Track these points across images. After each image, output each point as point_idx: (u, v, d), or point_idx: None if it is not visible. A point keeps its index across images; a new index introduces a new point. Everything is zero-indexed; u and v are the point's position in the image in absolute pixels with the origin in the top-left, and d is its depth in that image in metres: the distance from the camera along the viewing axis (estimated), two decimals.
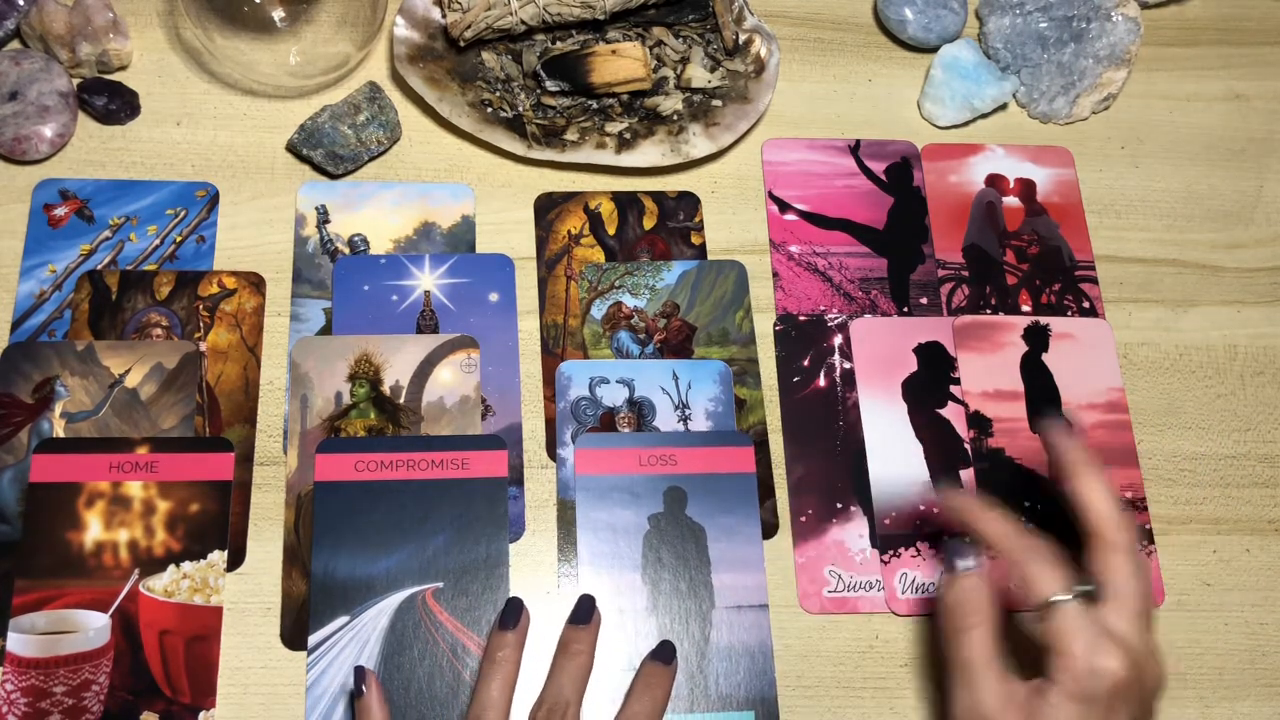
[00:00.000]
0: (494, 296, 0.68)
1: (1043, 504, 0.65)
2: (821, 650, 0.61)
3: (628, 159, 0.70)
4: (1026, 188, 0.75)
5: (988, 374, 0.68)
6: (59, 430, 0.61)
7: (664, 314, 0.68)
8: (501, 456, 0.62)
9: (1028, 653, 0.62)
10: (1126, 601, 0.51)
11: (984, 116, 0.77)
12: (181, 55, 0.73)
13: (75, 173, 0.69)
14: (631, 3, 0.72)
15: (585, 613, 0.57)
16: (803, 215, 0.72)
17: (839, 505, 0.64)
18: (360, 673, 0.54)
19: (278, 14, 0.72)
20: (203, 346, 0.64)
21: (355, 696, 0.54)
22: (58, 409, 0.62)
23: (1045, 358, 0.69)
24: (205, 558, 0.59)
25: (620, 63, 0.71)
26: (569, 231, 0.70)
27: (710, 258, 0.70)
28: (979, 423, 0.67)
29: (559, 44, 0.73)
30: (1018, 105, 0.78)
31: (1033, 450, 0.67)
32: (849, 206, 0.73)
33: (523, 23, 0.71)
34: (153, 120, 0.71)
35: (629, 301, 0.68)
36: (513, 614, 0.56)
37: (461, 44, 0.72)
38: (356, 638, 0.58)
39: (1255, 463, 0.69)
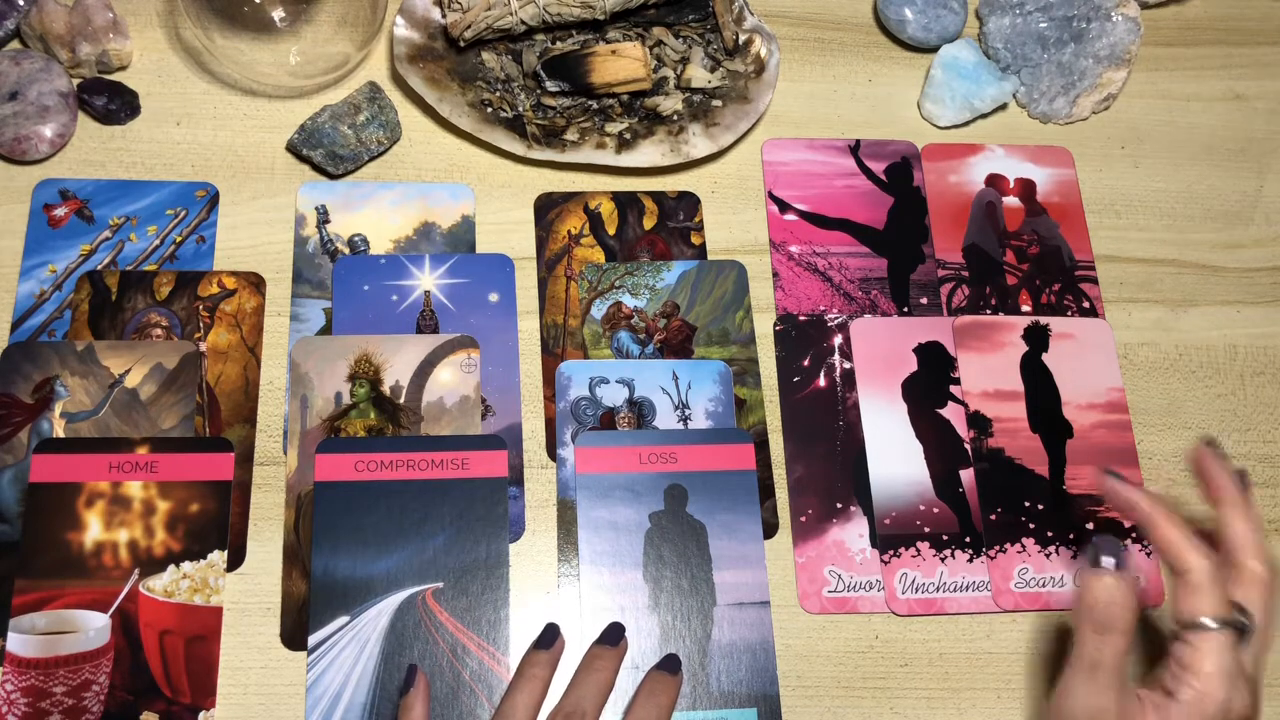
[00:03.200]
0: (494, 296, 0.68)
1: (1043, 504, 0.65)
2: (821, 650, 0.61)
3: (628, 159, 0.70)
4: (1026, 188, 0.75)
5: (988, 374, 0.68)
6: (59, 430, 0.61)
7: (664, 314, 0.68)
8: (501, 456, 0.62)
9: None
10: (1263, 641, 0.51)
11: (984, 116, 0.77)
12: (181, 55, 0.73)
13: (75, 173, 0.69)
14: (631, 3, 0.72)
15: (614, 637, 0.57)
16: (803, 215, 0.72)
17: (839, 505, 0.64)
18: (412, 671, 0.55)
19: (278, 14, 0.72)
20: (203, 346, 0.64)
21: (400, 693, 0.55)
22: (58, 409, 0.62)
23: (1045, 358, 0.69)
24: (205, 558, 0.59)
25: (620, 63, 0.71)
26: (569, 231, 0.70)
27: (710, 258, 0.70)
28: (979, 423, 0.67)
29: (559, 44, 0.73)
30: (1018, 105, 0.78)
31: (1032, 450, 0.67)
32: (849, 206, 0.73)
33: (523, 23, 0.71)
34: (153, 120, 0.71)
35: (629, 301, 0.68)
36: (550, 636, 0.57)
37: (461, 44, 0.72)
38: (356, 638, 0.58)
39: (1255, 463, 0.69)
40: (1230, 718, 0.48)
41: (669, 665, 0.57)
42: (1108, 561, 0.50)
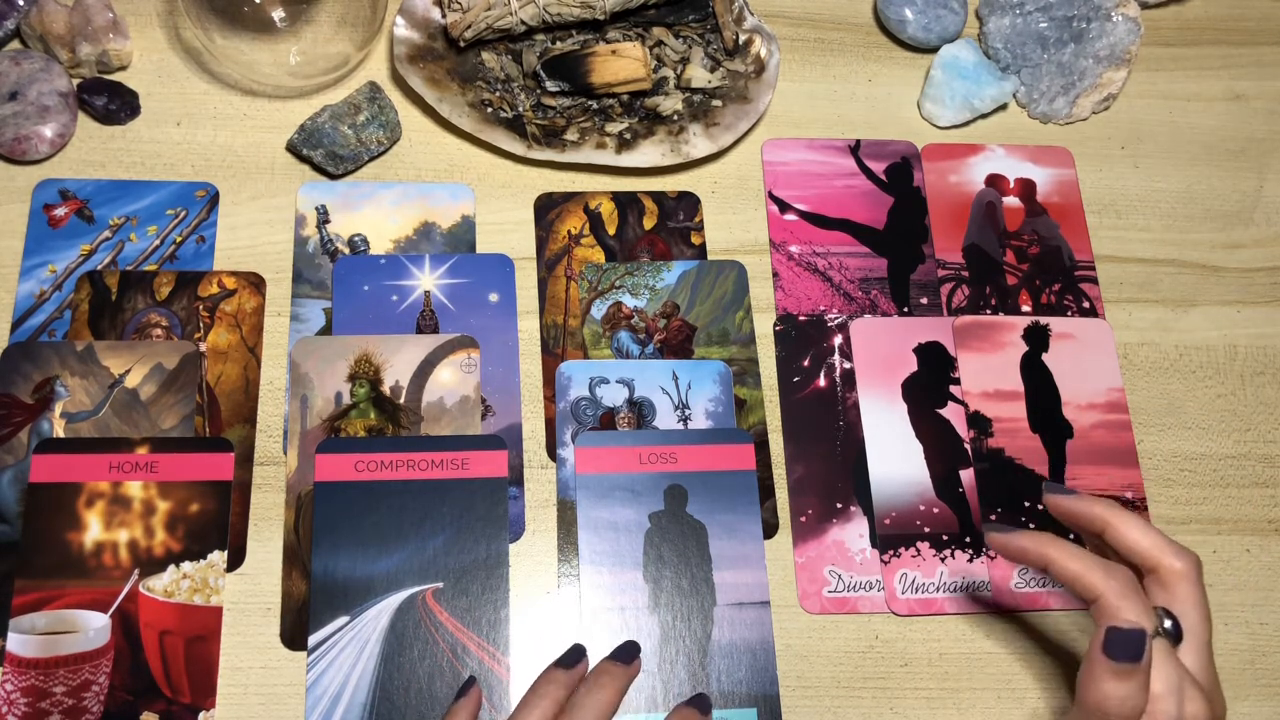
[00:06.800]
0: (494, 296, 0.68)
1: (1043, 504, 0.65)
2: (821, 650, 0.61)
3: (628, 159, 0.70)
4: (1026, 188, 0.75)
5: (988, 374, 0.68)
6: (59, 430, 0.61)
7: (664, 314, 0.68)
8: (501, 456, 0.62)
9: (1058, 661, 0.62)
10: (1197, 635, 0.49)
11: (984, 116, 0.77)
12: (181, 55, 0.73)
13: (75, 173, 0.69)
14: (631, 3, 0.72)
15: (627, 654, 0.56)
16: (803, 215, 0.72)
17: (839, 505, 0.64)
18: (470, 682, 0.56)
19: (278, 14, 0.72)
20: (203, 347, 0.64)
21: (455, 697, 0.56)
22: (58, 409, 0.62)
23: (1045, 358, 0.69)
24: (205, 558, 0.59)
25: (620, 63, 0.71)
26: (569, 231, 0.70)
27: (710, 258, 0.70)
28: (979, 423, 0.67)
29: (559, 44, 0.73)
30: (1018, 105, 0.78)
31: (1032, 450, 0.67)
32: (849, 206, 0.73)
33: (523, 23, 0.71)
34: (153, 120, 0.71)
35: (629, 301, 0.68)
36: (574, 657, 0.55)
37: (461, 44, 0.72)
38: (356, 638, 0.58)
39: (1255, 463, 0.69)
40: None
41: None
42: (1129, 656, 0.46)
